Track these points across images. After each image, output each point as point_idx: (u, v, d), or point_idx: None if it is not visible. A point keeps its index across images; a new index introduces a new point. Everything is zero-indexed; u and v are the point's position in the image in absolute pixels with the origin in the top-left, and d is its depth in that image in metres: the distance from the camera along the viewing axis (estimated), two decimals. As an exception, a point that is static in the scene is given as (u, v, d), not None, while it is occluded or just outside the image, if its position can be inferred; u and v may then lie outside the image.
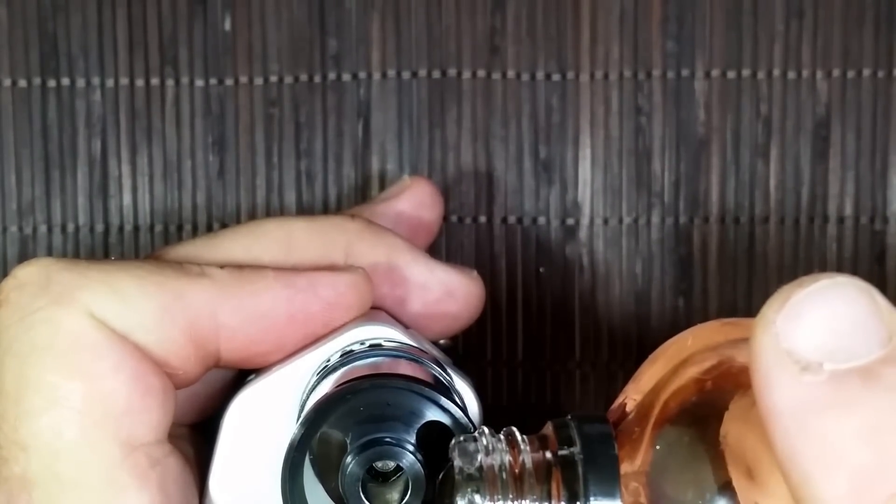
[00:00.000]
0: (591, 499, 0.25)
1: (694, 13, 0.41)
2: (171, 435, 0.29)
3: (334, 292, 0.30)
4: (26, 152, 0.41)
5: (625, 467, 0.25)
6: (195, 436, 0.31)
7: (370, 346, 0.30)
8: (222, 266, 0.30)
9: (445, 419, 0.28)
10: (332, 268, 0.31)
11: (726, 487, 0.24)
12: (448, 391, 0.29)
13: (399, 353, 0.30)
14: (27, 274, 0.28)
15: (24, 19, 0.41)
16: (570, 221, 0.42)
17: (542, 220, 0.42)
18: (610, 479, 0.25)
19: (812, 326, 0.21)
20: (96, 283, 0.28)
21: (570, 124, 0.42)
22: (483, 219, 0.42)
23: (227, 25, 0.41)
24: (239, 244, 0.31)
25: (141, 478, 0.27)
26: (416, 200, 0.37)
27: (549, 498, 0.25)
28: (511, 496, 0.25)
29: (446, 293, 0.34)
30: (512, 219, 0.42)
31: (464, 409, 0.28)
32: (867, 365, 0.21)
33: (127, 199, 0.42)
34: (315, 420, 0.28)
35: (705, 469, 0.24)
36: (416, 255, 0.33)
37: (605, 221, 0.42)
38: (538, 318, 0.42)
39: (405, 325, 0.33)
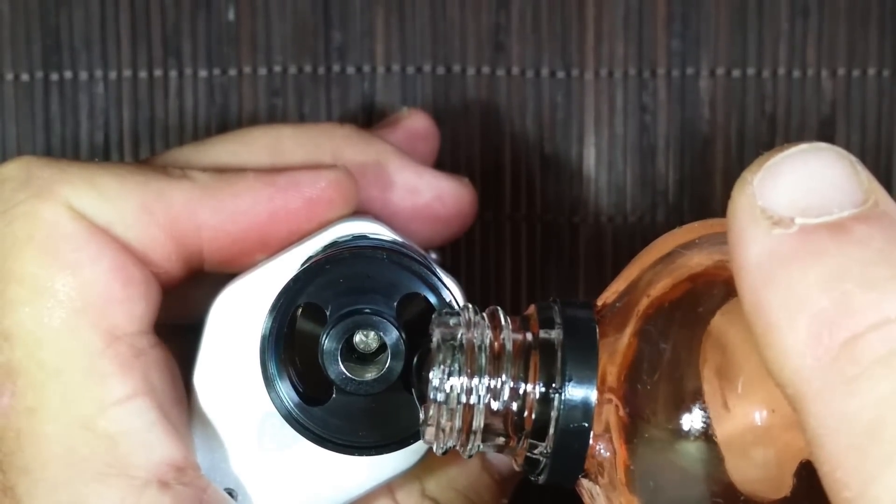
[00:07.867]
0: (568, 384, 0.24)
1: (699, 12, 0.41)
2: (163, 334, 0.29)
3: (315, 188, 0.30)
4: (29, 146, 0.41)
5: (603, 356, 0.25)
6: (187, 336, 0.31)
7: (354, 237, 0.30)
8: (205, 169, 0.30)
9: (427, 293, 0.28)
10: (314, 167, 0.31)
11: (699, 391, 0.23)
12: (431, 267, 0.29)
13: (384, 242, 0.30)
14: (9, 170, 0.28)
15: (27, 13, 0.41)
16: (575, 219, 0.42)
17: (546, 217, 0.41)
18: (588, 366, 0.24)
19: (787, 185, 0.21)
20: (76, 178, 0.28)
21: (574, 122, 0.41)
22: (489, 215, 0.41)
23: (231, 16, 0.41)
24: (226, 150, 0.32)
25: (124, 366, 0.28)
26: (411, 132, 0.37)
27: (527, 379, 0.25)
28: (488, 373, 0.25)
29: (436, 197, 0.34)
30: (516, 216, 0.42)
31: (447, 288, 0.28)
32: (838, 220, 0.21)
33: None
34: (294, 289, 0.28)
35: (682, 366, 0.24)
36: (405, 160, 0.34)
37: (610, 220, 0.41)
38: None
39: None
